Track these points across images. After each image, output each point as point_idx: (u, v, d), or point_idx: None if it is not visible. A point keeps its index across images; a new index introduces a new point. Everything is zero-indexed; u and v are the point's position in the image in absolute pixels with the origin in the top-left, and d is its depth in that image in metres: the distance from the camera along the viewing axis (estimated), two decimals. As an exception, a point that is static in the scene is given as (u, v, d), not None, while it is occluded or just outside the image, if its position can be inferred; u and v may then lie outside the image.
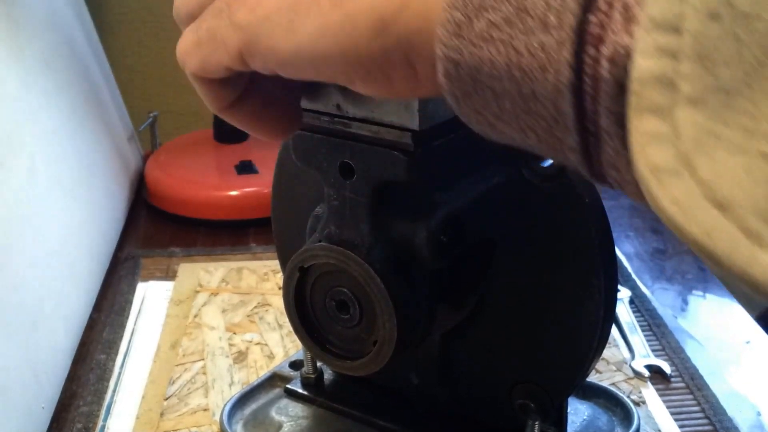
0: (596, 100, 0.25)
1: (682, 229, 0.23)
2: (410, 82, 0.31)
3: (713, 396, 0.64)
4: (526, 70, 0.26)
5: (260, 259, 0.83)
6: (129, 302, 0.75)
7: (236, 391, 0.60)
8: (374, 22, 0.30)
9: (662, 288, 0.80)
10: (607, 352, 0.67)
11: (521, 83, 0.27)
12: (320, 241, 0.45)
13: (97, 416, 0.61)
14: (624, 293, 0.77)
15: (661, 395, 0.64)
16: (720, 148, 0.23)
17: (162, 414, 0.61)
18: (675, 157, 0.23)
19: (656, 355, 0.68)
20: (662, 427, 0.60)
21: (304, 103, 0.44)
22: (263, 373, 0.61)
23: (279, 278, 0.78)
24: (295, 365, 0.60)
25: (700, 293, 0.79)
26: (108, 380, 0.65)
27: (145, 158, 1.02)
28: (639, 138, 0.24)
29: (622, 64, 0.24)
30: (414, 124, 0.41)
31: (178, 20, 0.37)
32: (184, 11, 0.37)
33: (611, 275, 0.47)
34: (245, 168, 0.94)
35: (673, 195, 0.23)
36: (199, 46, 0.36)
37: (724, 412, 0.62)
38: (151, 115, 1.04)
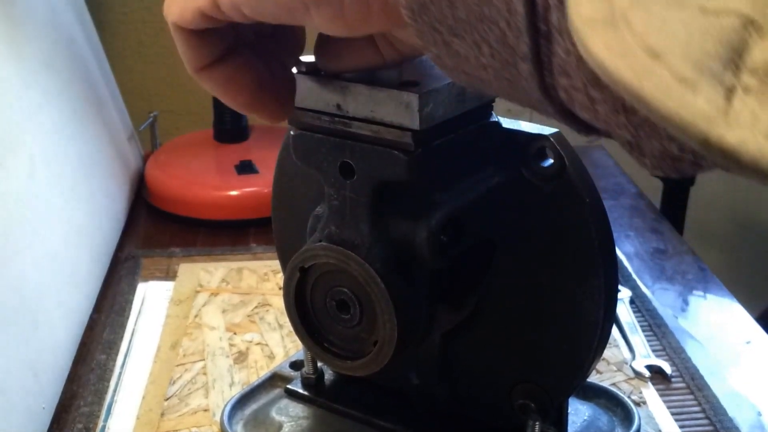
0: None
1: (613, 74, 0.23)
2: (360, 7, 0.31)
3: (714, 396, 0.64)
4: None
5: (260, 259, 0.83)
6: (129, 302, 0.75)
7: (236, 391, 0.60)
8: None
9: (663, 288, 0.80)
10: (607, 353, 0.67)
11: None
12: (320, 241, 0.45)
13: (98, 416, 0.61)
14: (624, 293, 0.77)
15: (661, 395, 0.64)
16: (657, 3, 0.23)
17: (162, 414, 0.61)
18: (610, 9, 0.24)
19: (657, 356, 0.68)
20: (663, 427, 0.60)
21: (305, 103, 0.44)
22: (264, 373, 0.61)
23: (279, 278, 0.78)
24: (296, 365, 0.60)
25: (701, 293, 0.79)
26: (108, 380, 0.65)
27: (145, 158, 1.02)
28: None
29: None
30: (414, 123, 0.41)
31: None
32: None
33: (611, 275, 0.47)
34: (245, 168, 0.93)
35: (606, 42, 0.24)
36: None
37: (724, 413, 0.62)
38: (151, 115, 1.04)
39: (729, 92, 0.22)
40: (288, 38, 0.42)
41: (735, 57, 0.23)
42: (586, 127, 0.29)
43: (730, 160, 0.22)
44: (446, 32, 0.29)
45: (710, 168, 0.24)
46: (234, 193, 0.91)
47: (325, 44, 0.40)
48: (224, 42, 0.37)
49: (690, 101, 0.22)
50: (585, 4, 0.24)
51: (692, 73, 0.23)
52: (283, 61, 0.42)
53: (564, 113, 0.28)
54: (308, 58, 0.44)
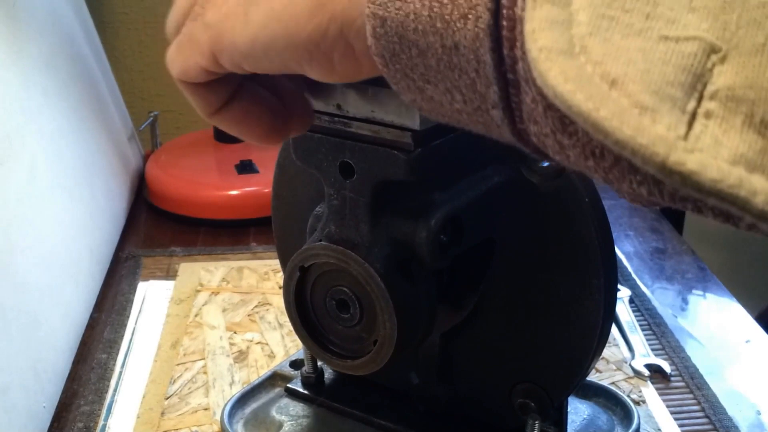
0: (513, 43, 0.26)
1: (569, 102, 0.23)
2: (349, 61, 0.32)
3: (713, 395, 0.64)
4: (448, 20, 0.27)
5: (261, 258, 0.83)
6: (130, 302, 0.76)
7: (237, 390, 0.60)
8: (311, 1, 0.31)
9: (662, 287, 0.80)
10: (607, 352, 0.68)
11: (444, 35, 0.27)
12: (320, 241, 0.45)
13: (98, 415, 0.61)
14: (624, 292, 0.77)
15: (661, 394, 0.64)
16: (617, 31, 0.23)
17: (163, 413, 0.61)
18: (568, 39, 0.24)
19: (656, 355, 0.68)
20: (662, 426, 0.60)
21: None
22: (264, 372, 0.61)
23: (279, 277, 0.78)
24: (296, 364, 0.60)
25: (700, 292, 0.79)
26: (109, 379, 0.65)
27: (145, 158, 1.02)
28: (533, 24, 0.24)
29: None
30: (414, 123, 0.41)
31: (169, 35, 0.38)
32: (173, 23, 0.38)
33: (611, 275, 0.47)
34: (245, 167, 0.94)
35: (563, 70, 0.24)
36: (179, 51, 0.36)
37: (723, 411, 0.62)
38: (152, 114, 1.04)
39: (690, 118, 0.22)
40: None
41: (696, 83, 0.23)
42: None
43: (689, 185, 0.22)
44: (418, 79, 0.29)
45: (684, 202, 0.24)
46: (234, 192, 0.91)
47: None
48: (230, 86, 0.38)
49: (647, 127, 0.22)
50: (543, 35, 0.24)
51: (651, 100, 0.23)
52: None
53: (540, 154, 0.28)
54: None
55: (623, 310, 0.74)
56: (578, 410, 0.56)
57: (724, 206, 0.22)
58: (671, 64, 0.23)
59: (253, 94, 0.39)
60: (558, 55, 0.24)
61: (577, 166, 0.27)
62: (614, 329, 0.71)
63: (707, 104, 0.23)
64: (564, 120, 0.25)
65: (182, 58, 0.36)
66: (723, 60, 0.23)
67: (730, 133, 0.22)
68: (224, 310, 0.74)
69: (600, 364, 0.66)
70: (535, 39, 0.24)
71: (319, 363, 0.58)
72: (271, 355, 0.68)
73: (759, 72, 0.22)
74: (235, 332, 0.71)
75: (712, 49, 0.23)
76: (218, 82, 0.37)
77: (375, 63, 0.30)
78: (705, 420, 0.61)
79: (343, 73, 0.32)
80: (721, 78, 0.23)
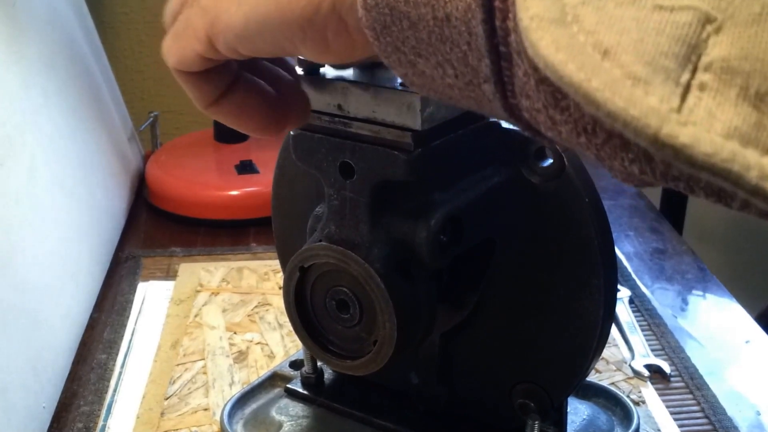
0: (505, 14, 0.25)
1: (560, 71, 0.23)
2: (343, 37, 0.32)
3: (713, 395, 0.64)
4: None
5: (261, 258, 0.83)
6: (130, 302, 0.76)
7: (236, 390, 0.60)
8: None
9: (662, 288, 0.80)
10: (606, 352, 0.68)
11: (435, 6, 0.27)
12: (320, 241, 0.45)
13: (98, 416, 0.61)
14: (624, 293, 0.77)
15: (660, 395, 0.64)
16: (610, 1, 0.23)
17: (162, 413, 0.61)
18: (560, 8, 0.23)
19: (656, 355, 0.68)
20: (662, 426, 0.60)
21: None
22: (263, 372, 0.61)
23: (279, 278, 0.78)
24: (296, 365, 0.60)
25: (700, 293, 0.79)
26: (109, 380, 0.65)
27: (145, 158, 1.02)
28: None
29: None
30: (415, 124, 0.41)
31: (166, 24, 0.38)
32: (170, 12, 0.38)
33: (611, 275, 0.47)
34: (245, 168, 0.94)
35: (555, 39, 0.23)
36: (176, 39, 0.36)
37: (723, 412, 0.62)
38: (152, 114, 1.04)
39: (684, 90, 0.22)
40: None
41: (690, 54, 0.22)
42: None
43: (681, 160, 0.22)
44: (409, 52, 0.29)
45: (676, 180, 0.24)
46: (234, 192, 0.91)
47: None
48: (227, 76, 0.38)
49: (640, 98, 0.22)
50: (534, 4, 0.24)
51: (644, 71, 0.22)
52: (288, 68, 0.42)
53: (532, 131, 0.28)
54: None
55: (623, 310, 0.74)
56: (578, 410, 0.56)
57: (716, 182, 0.22)
58: (665, 35, 0.22)
59: (250, 85, 0.39)
60: (550, 23, 0.23)
61: (569, 143, 0.26)
62: (614, 330, 0.71)
63: (701, 76, 0.22)
64: (556, 95, 0.25)
65: (179, 45, 0.36)
66: (718, 30, 0.22)
67: (725, 105, 0.22)
68: (224, 311, 0.74)
69: (600, 365, 0.66)
70: (526, 7, 0.24)
71: (319, 363, 0.58)
72: (271, 356, 0.68)
73: (755, 43, 0.22)
74: (234, 332, 0.71)
75: (707, 19, 0.22)
76: (215, 71, 0.37)
77: (369, 42, 0.30)
78: (705, 420, 0.61)
79: (337, 51, 0.32)
80: (716, 49, 0.22)
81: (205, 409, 0.61)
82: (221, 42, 0.34)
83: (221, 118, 0.39)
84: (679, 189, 0.24)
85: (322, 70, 0.44)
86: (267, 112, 0.39)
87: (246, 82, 0.39)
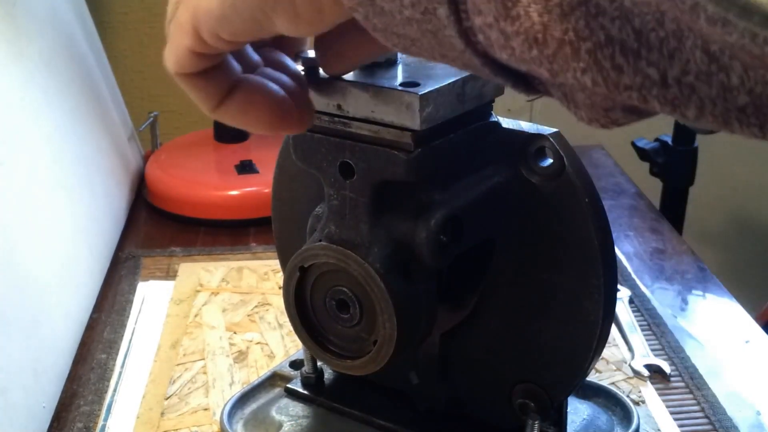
0: None
1: None
2: (312, 3, 0.32)
3: (713, 395, 0.64)
4: None
5: (260, 258, 0.83)
6: (129, 302, 0.76)
7: (236, 390, 0.60)
8: None
9: (662, 287, 0.80)
10: (606, 352, 0.67)
11: None
12: (320, 241, 0.45)
13: (98, 416, 0.61)
14: (623, 293, 0.77)
15: (660, 395, 0.64)
16: None
17: (162, 413, 0.61)
18: None
19: (656, 355, 0.68)
20: (662, 426, 0.60)
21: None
22: (263, 372, 0.61)
23: (279, 278, 0.78)
24: (296, 365, 0.60)
25: (700, 293, 0.79)
26: (108, 380, 0.65)
27: (145, 158, 1.02)
28: None
29: None
30: (415, 124, 0.41)
31: (167, 35, 0.38)
32: (167, 21, 0.38)
33: (611, 275, 0.47)
34: (245, 168, 0.94)
35: None
36: (170, 42, 0.37)
37: (723, 412, 0.62)
38: (152, 114, 1.04)
39: None
40: (287, 42, 0.43)
41: None
42: (518, 79, 0.29)
43: None
44: None
45: (645, 115, 0.24)
46: (234, 192, 0.91)
47: (325, 49, 0.40)
48: (228, 76, 0.38)
49: None
50: None
51: None
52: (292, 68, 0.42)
53: (489, 63, 0.28)
54: (308, 53, 0.44)
55: (623, 310, 0.74)
56: (578, 410, 0.56)
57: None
58: None
59: (254, 85, 0.39)
60: None
61: (523, 62, 0.26)
62: (614, 329, 0.71)
63: None
64: (506, 3, 0.25)
65: (172, 47, 0.37)
66: None
67: None
68: (224, 311, 0.74)
69: (600, 365, 0.67)
70: None
71: (319, 363, 0.58)
72: (271, 356, 0.68)
73: None
74: (234, 332, 0.71)
75: None
76: (215, 72, 0.37)
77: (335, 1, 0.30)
78: (705, 420, 0.61)
79: (307, 16, 0.32)
80: None
81: (205, 409, 0.61)
82: (205, 30, 0.35)
83: (228, 120, 0.39)
84: (633, 100, 0.24)
85: (321, 71, 0.44)
86: (274, 110, 0.39)
87: (249, 82, 0.39)
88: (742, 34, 0.21)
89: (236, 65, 0.39)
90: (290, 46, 0.43)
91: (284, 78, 0.40)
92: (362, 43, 0.38)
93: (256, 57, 0.41)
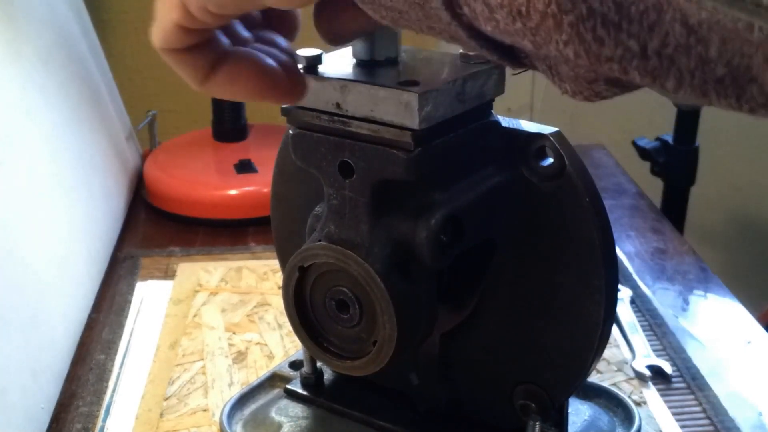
0: None
1: None
2: None
3: (714, 396, 0.63)
4: None
5: (260, 258, 0.83)
6: (128, 302, 0.75)
7: (236, 391, 0.59)
8: None
9: (663, 288, 0.80)
10: (607, 352, 0.67)
11: None
12: (320, 241, 0.45)
13: (97, 416, 0.61)
14: (625, 293, 0.76)
15: (662, 395, 0.64)
16: None
17: (161, 414, 0.60)
18: None
19: (657, 355, 0.68)
20: (663, 427, 0.60)
21: (304, 102, 0.44)
22: (263, 373, 0.61)
23: (278, 278, 0.78)
24: (295, 365, 0.60)
25: (701, 293, 0.79)
26: (107, 380, 0.65)
27: (143, 157, 1.02)
28: None
29: None
30: (414, 123, 0.41)
31: (155, 12, 0.38)
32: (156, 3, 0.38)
33: (612, 275, 0.47)
34: (244, 167, 0.93)
35: None
36: (157, 19, 0.37)
37: (725, 413, 0.62)
38: (150, 114, 1.04)
39: None
40: (281, 21, 0.43)
41: None
42: (503, 52, 0.29)
43: None
44: None
45: (628, 88, 0.24)
46: (233, 192, 0.91)
47: (323, 17, 0.40)
48: (215, 50, 0.38)
49: None
50: None
51: None
52: (286, 46, 0.42)
53: (476, 36, 0.28)
54: (307, 52, 0.44)
55: (624, 310, 0.74)
56: (579, 411, 0.56)
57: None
58: None
59: (242, 54, 0.39)
60: None
61: (507, 34, 0.27)
62: (615, 330, 0.70)
63: None
64: None
65: (159, 23, 0.37)
66: None
67: None
68: (223, 311, 0.74)
69: (601, 365, 0.66)
70: None
71: (319, 364, 0.58)
72: (270, 356, 0.67)
73: None
74: (234, 333, 0.70)
75: None
76: (201, 47, 0.37)
77: None
78: (706, 421, 0.61)
79: None
80: None
81: (205, 410, 0.61)
82: (192, 3, 0.34)
83: (217, 92, 0.39)
84: (614, 72, 0.25)
85: (320, 68, 0.44)
86: (261, 77, 0.39)
87: (237, 53, 0.39)
88: (713, 11, 0.21)
89: (224, 39, 0.39)
90: (282, 26, 0.43)
91: (274, 51, 0.40)
92: (359, 12, 0.38)
93: (246, 33, 0.41)
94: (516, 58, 0.29)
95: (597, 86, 0.27)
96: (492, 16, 0.26)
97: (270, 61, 0.39)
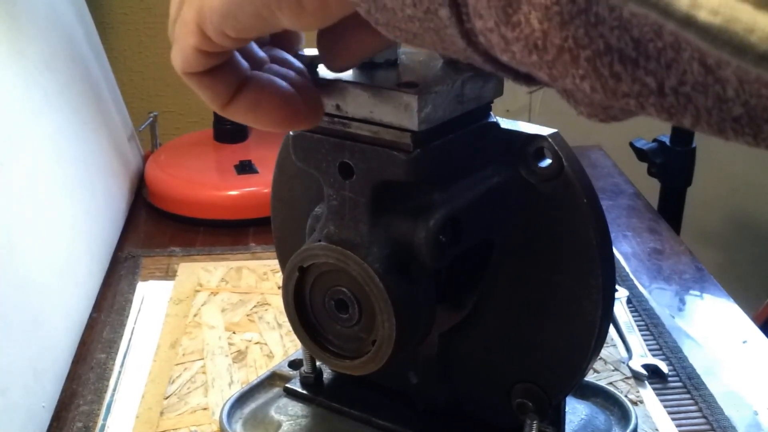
0: None
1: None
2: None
3: (710, 395, 0.64)
4: None
5: (260, 258, 0.83)
6: (129, 302, 0.76)
7: (236, 390, 0.60)
8: None
9: (659, 288, 0.80)
10: (604, 352, 0.68)
11: None
12: (319, 241, 0.46)
13: (98, 415, 0.61)
14: (621, 293, 0.77)
15: (658, 394, 0.64)
16: None
17: (162, 413, 0.61)
18: None
19: (654, 355, 0.68)
20: (660, 426, 0.61)
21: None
22: (263, 372, 0.61)
23: (278, 278, 0.78)
24: (295, 364, 0.60)
25: (697, 293, 0.80)
26: (108, 379, 0.65)
27: (145, 158, 1.02)
28: None
29: None
30: (413, 124, 0.41)
31: (170, 37, 0.38)
32: (170, 23, 0.38)
33: (609, 275, 0.47)
34: (245, 168, 0.94)
35: None
36: (176, 43, 0.37)
37: (721, 412, 0.62)
38: (151, 114, 1.04)
39: None
40: (287, 33, 0.43)
41: None
42: (518, 75, 0.29)
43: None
44: None
45: (626, 97, 0.24)
46: (233, 192, 0.91)
47: (327, 44, 0.40)
48: (236, 73, 0.38)
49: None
50: None
51: None
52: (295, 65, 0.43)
53: (491, 61, 0.28)
54: (307, 52, 0.44)
55: (621, 310, 0.74)
56: (576, 410, 0.56)
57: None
58: None
59: (263, 82, 0.39)
60: None
61: (523, 65, 0.27)
62: (612, 330, 0.71)
63: None
64: (507, 9, 0.25)
65: (179, 47, 0.37)
66: None
67: None
68: (223, 310, 0.74)
69: (598, 365, 0.67)
70: None
71: (318, 363, 0.58)
72: (270, 355, 0.68)
73: None
74: (234, 332, 0.71)
75: None
76: (222, 70, 0.38)
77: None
78: (702, 420, 0.62)
79: (312, 10, 0.32)
80: None
81: (205, 409, 0.61)
82: (209, 27, 0.35)
83: (239, 117, 0.39)
84: (630, 107, 0.25)
85: (320, 70, 0.44)
86: (282, 107, 0.39)
87: (258, 79, 0.39)
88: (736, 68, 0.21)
89: (244, 62, 0.39)
90: (287, 43, 0.43)
91: (291, 74, 0.41)
92: (365, 36, 0.38)
93: (262, 54, 0.41)
94: (532, 78, 0.29)
95: (612, 111, 0.27)
96: (508, 48, 0.26)
97: (288, 87, 0.40)
